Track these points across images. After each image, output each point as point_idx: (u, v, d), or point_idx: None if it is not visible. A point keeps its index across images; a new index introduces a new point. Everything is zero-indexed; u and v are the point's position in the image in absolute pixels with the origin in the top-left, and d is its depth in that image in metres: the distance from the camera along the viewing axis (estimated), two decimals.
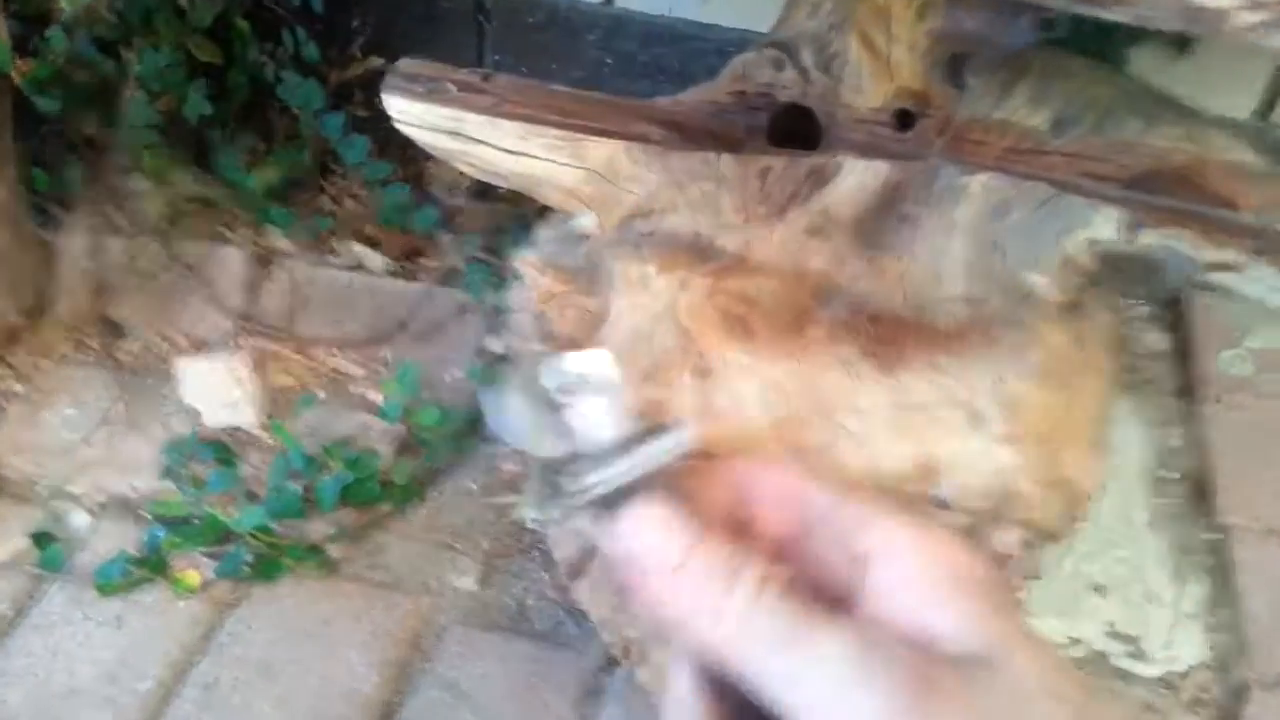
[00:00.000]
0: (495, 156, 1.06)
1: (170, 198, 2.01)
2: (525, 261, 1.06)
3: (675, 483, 0.35)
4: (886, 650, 0.26)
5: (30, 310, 1.82)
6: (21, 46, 1.80)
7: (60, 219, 1.96)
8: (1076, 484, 0.89)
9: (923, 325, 0.88)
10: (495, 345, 1.82)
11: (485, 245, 2.01)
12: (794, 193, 1.00)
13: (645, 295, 0.98)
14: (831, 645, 0.27)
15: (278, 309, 1.89)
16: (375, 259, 2.01)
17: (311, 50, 1.93)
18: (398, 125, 1.14)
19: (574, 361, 0.36)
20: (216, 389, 1.70)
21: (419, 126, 1.10)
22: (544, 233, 1.17)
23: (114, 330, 1.85)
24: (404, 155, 2.19)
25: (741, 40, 1.85)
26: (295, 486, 1.46)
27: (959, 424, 0.85)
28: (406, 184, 2.03)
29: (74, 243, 1.91)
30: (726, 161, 0.98)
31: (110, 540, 1.50)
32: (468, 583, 1.55)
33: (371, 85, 2.31)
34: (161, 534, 1.43)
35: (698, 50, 1.72)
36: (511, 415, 0.37)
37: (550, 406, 0.36)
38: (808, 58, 1.05)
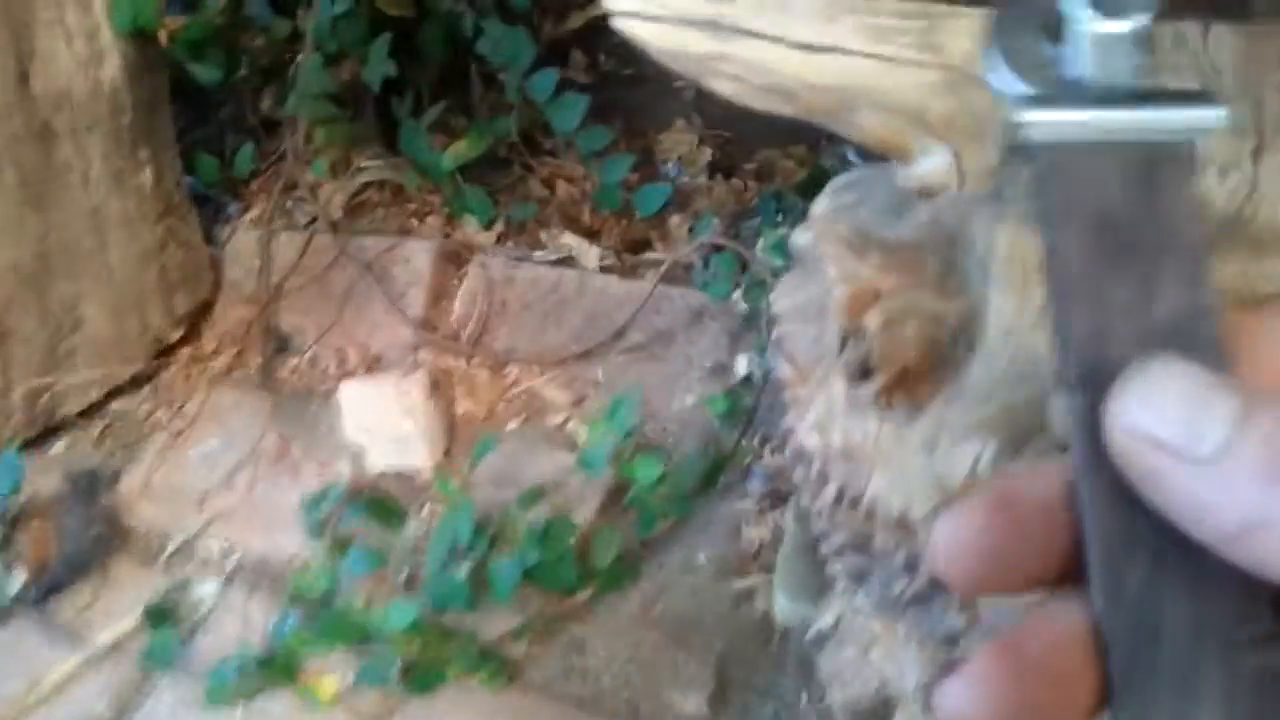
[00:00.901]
0: (779, 57, 0.61)
1: (350, 184, 1.68)
2: (826, 231, 0.59)
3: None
4: None
5: (189, 320, 1.52)
6: (177, 1, 1.51)
7: (230, 212, 1.67)
8: None
9: None
10: (745, 365, 1.36)
11: (728, 231, 1.55)
12: None
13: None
14: None
15: (468, 316, 1.51)
16: (590, 252, 1.59)
17: None
18: (617, 22, 0.69)
19: None
20: (384, 421, 1.33)
21: (654, 19, 0.65)
22: (842, 189, 0.69)
23: (280, 342, 1.52)
24: (629, 125, 1.78)
25: None
26: (462, 570, 1.05)
27: None
28: (631, 156, 1.60)
29: (241, 240, 1.60)
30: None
31: (238, 620, 1.15)
32: (695, 702, 1.10)
33: (593, 41, 1.93)
34: (293, 621, 1.06)
35: None
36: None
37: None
38: None
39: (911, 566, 0.67)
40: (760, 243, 1.40)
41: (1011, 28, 0.28)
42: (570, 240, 1.61)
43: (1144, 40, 0.27)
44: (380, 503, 1.22)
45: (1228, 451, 0.21)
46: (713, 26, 0.64)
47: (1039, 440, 0.54)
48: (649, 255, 1.60)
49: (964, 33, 0.57)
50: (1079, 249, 0.24)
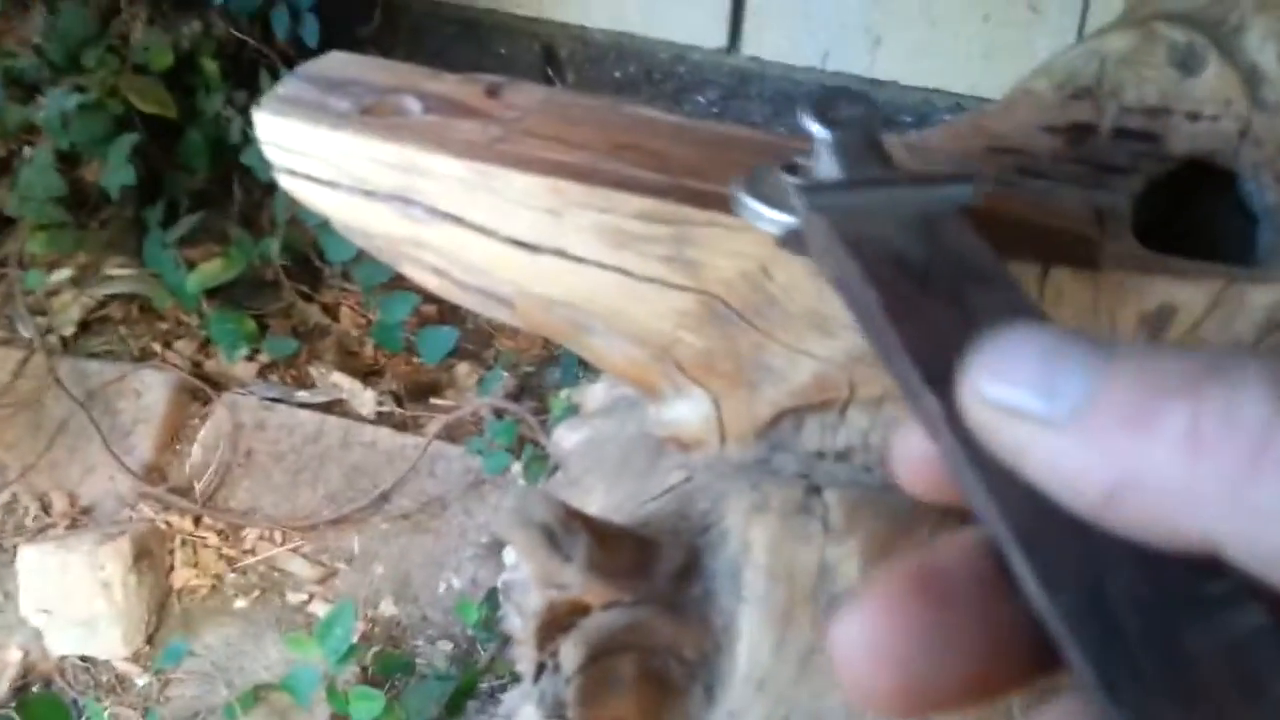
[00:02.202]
0: (490, 253, 0.45)
1: (92, 295, 1.44)
2: (529, 505, 0.42)
3: None
4: None
5: None
6: None
7: None
8: None
9: None
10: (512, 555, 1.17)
11: (521, 386, 1.39)
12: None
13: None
14: None
15: (206, 466, 1.28)
16: (364, 396, 1.39)
17: None
18: (284, 182, 0.53)
19: None
20: (70, 597, 1.08)
21: (329, 184, 0.49)
22: (608, 412, 0.53)
23: None
24: None
25: (925, 106, 1.25)
26: None
27: None
28: (416, 295, 1.43)
29: None
30: (1069, 285, 0.36)
31: None
32: None
33: None
34: None
35: None
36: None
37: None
38: (1261, 48, 0.41)
39: None
40: (554, 406, 1.24)
41: (756, 175, 0.35)
42: (341, 380, 1.41)
43: (872, 143, 0.35)
44: (44, 706, 0.97)
45: (1088, 407, 0.19)
46: (403, 202, 0.48)
47: None
48: (436, 402, 1.42)
49: (724, 251, 0.43)
50: (888, 287, 0.26)
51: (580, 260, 0.46)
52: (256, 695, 0.99)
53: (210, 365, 1.41)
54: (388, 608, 1.19)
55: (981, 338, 0.20)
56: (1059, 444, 0.19)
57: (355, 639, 1.13)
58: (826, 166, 0.33)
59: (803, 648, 0.40)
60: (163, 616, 1.15)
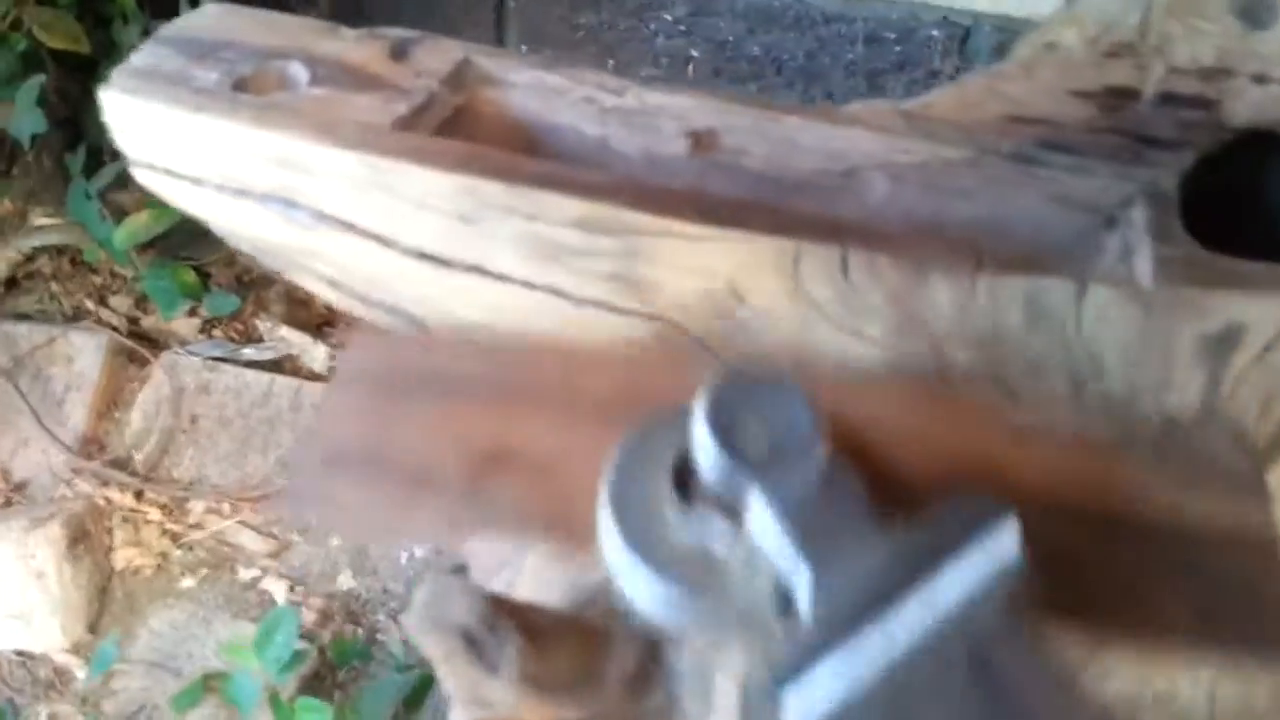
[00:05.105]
0: (387, 266, 0.36)
1: (16, 248, 1.33)
2: (446, 590, 0.34)
3: None
4: None
5: None
6: None
7: None
8: None
9: None
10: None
11: None
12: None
13: None
14: None
15: (146, 434, 1.20)
16: (316, 352, 1.30)
17: None
18: (140, 176, 0.43)
19: None
20: (1, 587, 1.00)
21: (194, 180, 0.40)
22: None
23: None
24: None
25: (911, 22, 1.13)
26: None
27: None
28: None
29: None
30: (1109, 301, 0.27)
31: None
32: None
33: None
34: None
35: (837, 39, 0.99)
36: None
37: None
38: None
39: None
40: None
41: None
42: (291, 335, 1.31)
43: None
44: None
45: None
46: (284, 204, 0.39)
47: None
48: None
49: (683, 267, 0.34)
50: None
51: (503, 278, 0.37)
52: (206, 685, 0.93)
53: (148, 322, 1.32)
54: (346, 581, 1.13)
55: None
56: None
57: (311, 622, 1.07)
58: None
59: None
60: (105, 602, 1.08)
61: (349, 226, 0.38)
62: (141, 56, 0.44)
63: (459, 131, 0.42)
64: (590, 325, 0.36)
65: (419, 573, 1.11)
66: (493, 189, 0.36)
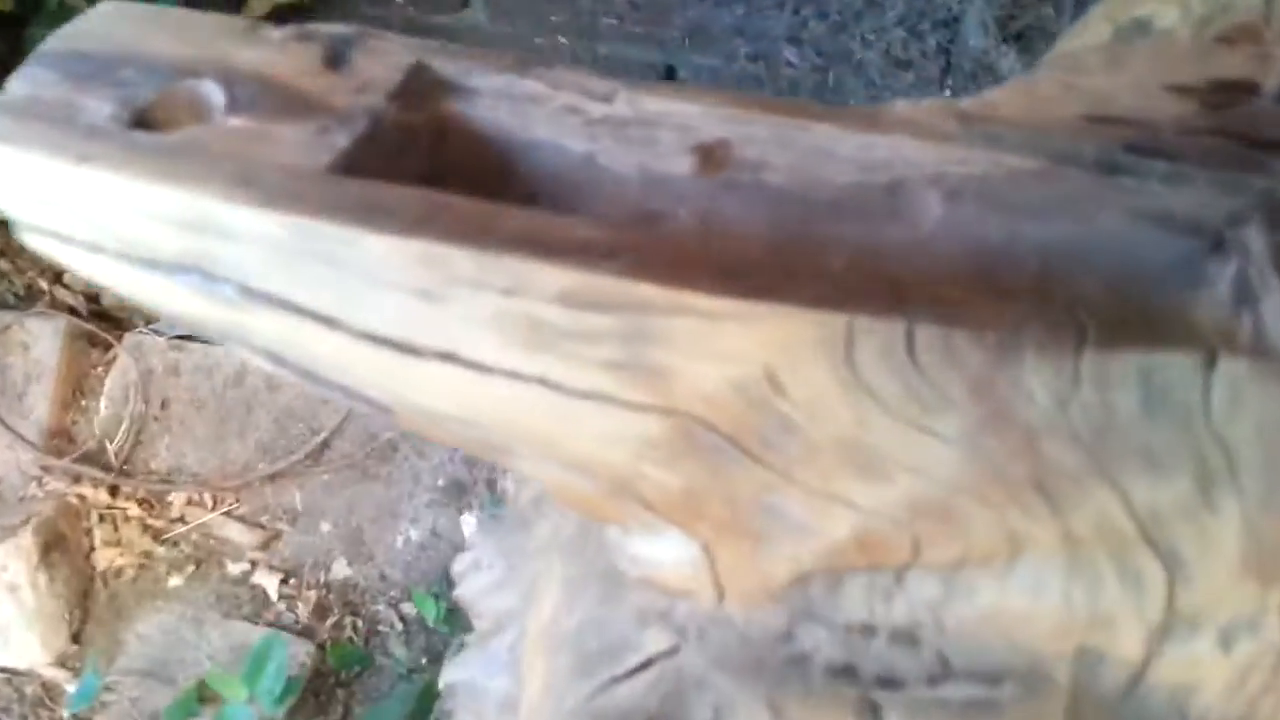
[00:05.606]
0: (337, 351, 0.29)
1: None
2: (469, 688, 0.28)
3: None
4: None
5: None
6: None
7: None
8: None
9: None
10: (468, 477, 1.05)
11: None
12: None
13: None
14: None
15: (117, 423, 1.13)
16: None
17: None
18: (24, 236, 0.35)
19: None
20: None
21: (84, 244, 0.32)
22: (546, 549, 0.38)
23: None
24: None
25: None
26: None
27: None
28: None
29: None
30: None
31: None
32: None
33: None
34: None
35: None
36: None
37: None
38: None
39: None
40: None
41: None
42: None
43: None
44: None
45: None
46: (201, 277, 0.31)
47: None
48: None
49: (705, 352, 0.27)
50: None
51: (480, 369, 0.30)
52: (191, 703, 0.88)
53: (109, 300, 1.24)
54: (341, 570, 1.07)
55: None
56: None
57: (306, 616, 1.02)
58: None
59: None
60: (88, 608, 1.02)
61: (283, 303, 0.31)
62: (19, 82, 0.36)
63: (413, 164, 0.35)
64: (590, 421, 0.29)
65: (415, 558, 1.06)
66: (459, 257, 0.29)
